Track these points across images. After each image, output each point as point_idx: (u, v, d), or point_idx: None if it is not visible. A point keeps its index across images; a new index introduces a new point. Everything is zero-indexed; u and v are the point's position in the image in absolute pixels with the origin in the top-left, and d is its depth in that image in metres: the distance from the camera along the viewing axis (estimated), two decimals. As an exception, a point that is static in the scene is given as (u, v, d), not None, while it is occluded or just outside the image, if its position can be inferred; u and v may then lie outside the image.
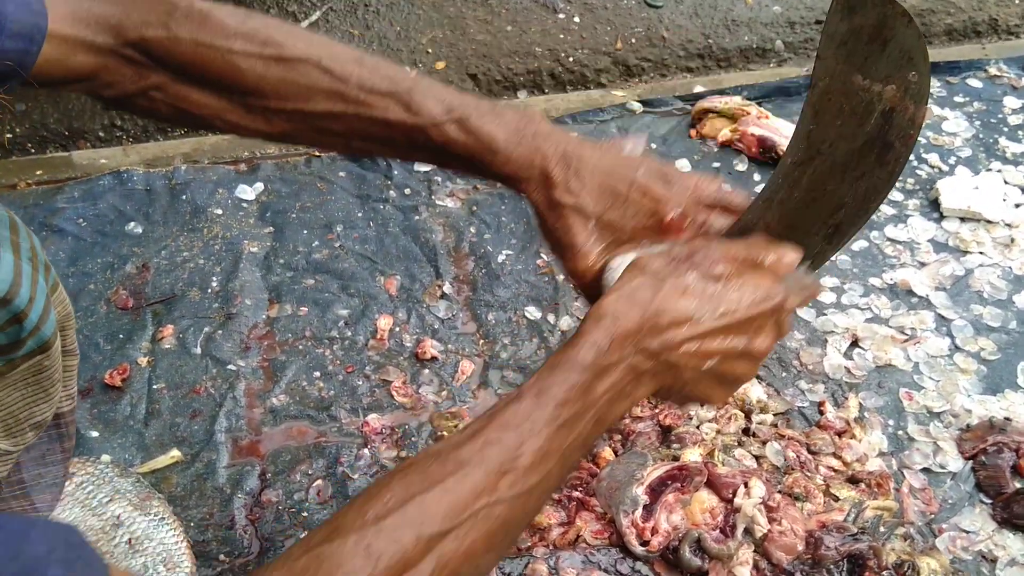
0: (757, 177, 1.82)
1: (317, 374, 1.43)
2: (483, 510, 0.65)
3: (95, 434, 1.34)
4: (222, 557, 1.21)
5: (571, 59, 2.64)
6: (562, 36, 2.71)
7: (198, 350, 1.45)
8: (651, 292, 0.72)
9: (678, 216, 0.79)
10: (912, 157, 1.83)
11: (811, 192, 0.79)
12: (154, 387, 1.40)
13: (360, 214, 1.70)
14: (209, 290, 1.54)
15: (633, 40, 2.70)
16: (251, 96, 0.81)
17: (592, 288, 0.81)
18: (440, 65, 2.58)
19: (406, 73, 0.84)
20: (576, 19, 2.76)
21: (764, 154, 1.81)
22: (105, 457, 1.30)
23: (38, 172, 1.79)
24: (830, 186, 0.78)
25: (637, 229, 0.80)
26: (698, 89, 2.06)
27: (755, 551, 1.20)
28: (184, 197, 1.70)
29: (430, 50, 2.65)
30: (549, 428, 0.68)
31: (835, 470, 1.32)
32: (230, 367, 1.43)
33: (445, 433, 1.35)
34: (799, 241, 0.81)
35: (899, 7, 0.68)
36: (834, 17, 0.71)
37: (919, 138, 1.85)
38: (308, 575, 0.61)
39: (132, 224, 1.65)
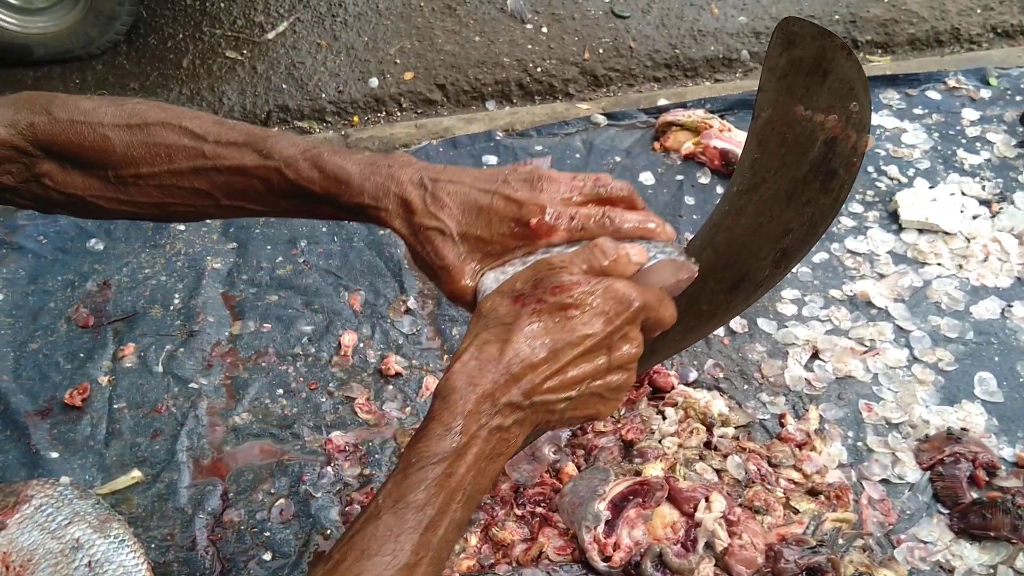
0: (719, 190, 1.83)
1: (280, 391, 1.43)
2: None
3: (55, 455, 1.33)
4: (183, 579, 1.21)
5: (539, 69, 2.65)
6: (530, 47, 2.73)
7: (159, 368, 1.44)
8: (498, 347, 0.71)
9: (546, 218, 0.77)
10: (872, 169, 1.85)
11: (758, 219, 0.81)
12: (115, 406, 1.39)
13: (324, 229, 1.70)
14: (171, 307, 1.54)
15: (601, 50, 2.72)
16: (122, 167, 0.85)
17: (474, 307, 0.79)
18: (408, 76, 2.59)
19: (266, 128, 0.87)
20: (544, 29, 2.77)
21: (727, 167, 1.82)
22: (65, 479, 1.29)
23: (-2, 188, 1.77)
24: (776, 213, 0.80)
25: (507, 238, 0.78)
26: (662, 102, 2.07)
27: (716, 565, 1.21)
28: (146, 213, 1.69)
29: (398, 60, 2.65)
30: (412, 538, 0.67)
31: (795, 482, 1.33)
32: (192, 385, 1.42)
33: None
34: (748, 265, 0.82)
35: (838, 40, 0.69)
36: (774, 50, 0.72)
37: (879, 150, 1.88)
38: None
39: (93, 241, 1.63)
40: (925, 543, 1.27)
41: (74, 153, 0.85)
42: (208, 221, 1.69)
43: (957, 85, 2.08)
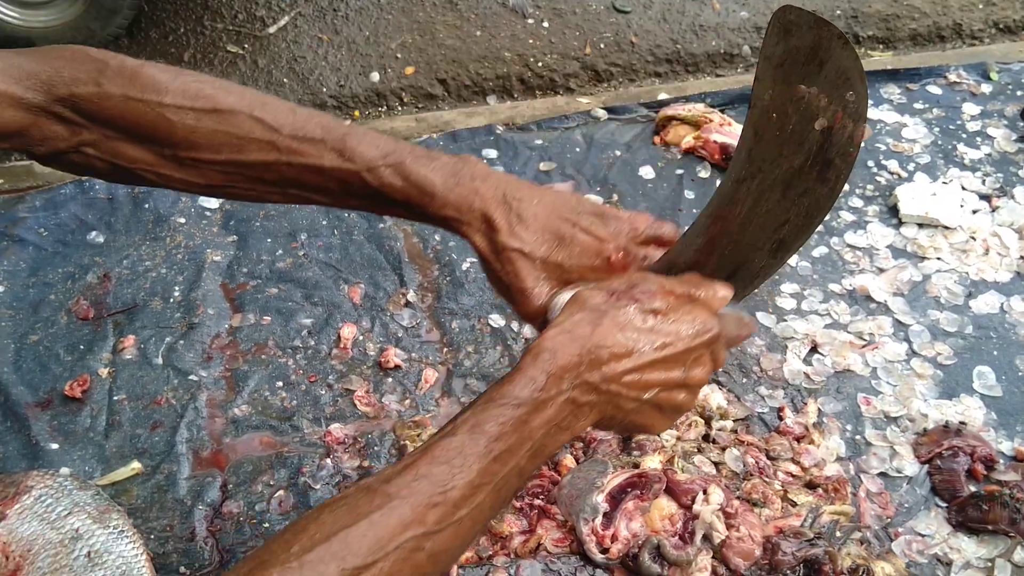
0: (719, 183, 1.83)
1: (280, 384, 1.43)
2: (409, 542, 0.65)
3: (55, 446, 1.33)
4: (182, 569, 1.21)
5: (540, 64, 2.65)
6: (531, 41, 2.72)
7: (159, 360, 1.45)
8: (590, 327, 0.73)
9: (624, 256, 0.81)
10: (872, 163, 1.85)
11: (755, 208, 0.81)
12: (115, 398, 1.39)
13: (324, 222, 1.70)
14: (171, 300, 1.54)
15: (602, 45, 2.72)
16: (182, 148, 0.80)
17: (542, 326, 0.82)
18: (410, 70, 2.59)
19: (340, 122, 0.84)
20: (545, 24, 2.77)
21: (727, 161, 1.82)
22: (64, 470, 1.29)
23: (0, 181, 1.78)
24: (772, 202, 0.80)
25: (583, 269, 0.81)
26: (662, 96, 2.07)
27: (713, 557, 1.22)
28: (147, 206, 1.69)
29: (399, 55, 2.65)
30: (481, 462, 0.69)
31: (793, 475, 1.33)
32: (192, 377, 1.43)
33: (408, 443, 1.35)
34: (744, 255, 0.83)
35: (834, 29, 0.69)
36: (770, 39, 0.72)
37: (879, 144, 1.88)
38: None
39: (94, 233, 1.64)
40: (923, 536, 1.27)
41: (127, 129, 0.80)
42: (207, 214, 1.69)
43: (958, 80, 2.08)
